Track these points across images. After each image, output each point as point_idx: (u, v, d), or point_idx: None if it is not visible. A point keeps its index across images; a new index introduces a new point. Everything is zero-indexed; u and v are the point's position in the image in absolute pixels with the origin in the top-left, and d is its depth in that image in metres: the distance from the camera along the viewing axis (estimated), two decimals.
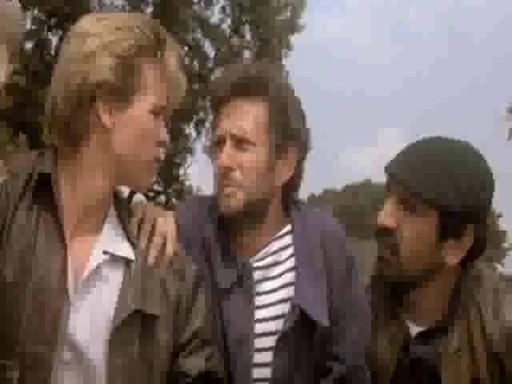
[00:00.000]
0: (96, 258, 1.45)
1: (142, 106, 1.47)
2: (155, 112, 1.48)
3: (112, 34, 1.44)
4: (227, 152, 1.69)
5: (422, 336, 1.73)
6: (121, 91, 1.44)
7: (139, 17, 1.52)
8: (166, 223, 1.57)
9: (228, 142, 1.70)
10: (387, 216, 1.68)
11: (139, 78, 1.46)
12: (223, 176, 1.70)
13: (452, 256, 1.68)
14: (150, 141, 1.49)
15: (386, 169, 1.73)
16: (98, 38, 1.44)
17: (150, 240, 1.53)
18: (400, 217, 1.67)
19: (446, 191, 1.62)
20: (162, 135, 1.51)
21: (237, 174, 1.69)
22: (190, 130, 17.39)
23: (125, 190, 1.61)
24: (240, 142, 1.69)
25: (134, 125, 1.46)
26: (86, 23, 1.49)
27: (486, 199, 1.69)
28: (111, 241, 1.49)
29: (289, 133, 1.73)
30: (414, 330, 1.74)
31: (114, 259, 1.48)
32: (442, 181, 1.63)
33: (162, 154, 1.53)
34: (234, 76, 1.74)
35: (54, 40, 16.37)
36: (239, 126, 1.69)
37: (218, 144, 1.73)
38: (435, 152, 1.68)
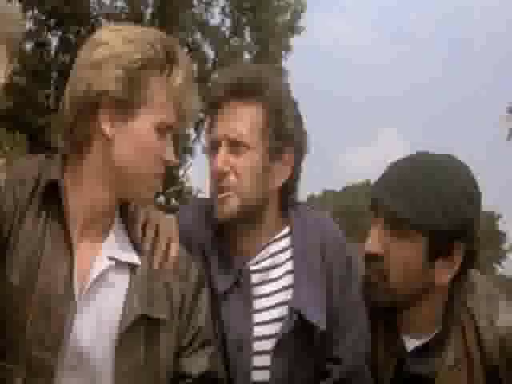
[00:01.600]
0: (101, 264, 1.46)
1: (144, 121, 1.46)
2: (160, 129, 1.47)
3: (122, 45, 1.45)
4: (222, 156, 1.68)
5: (418, 350, 1.72)
6: (124, 103, 1.44)
7: (154, 32, 1.52)
8: (169, 226, 1.58)
9: (223, 147, 1.68)
10: (374, 242, 1.67)
11: (144, 92, 1.45)
12: (218, 181, 1.68)
13: (443, 275, 1.66)
14: (151, 156, 1.48)
15: (371, 195, 1.71)
16: (107, 48, 1.45)
17: (154, 243, 1.54)
18: (388, 242, 1.66)
19: (432, 213, 1.61)
20: (168, 155, 1.50)
21: (231, 179, 1.68)
22: (189, 130, 17.42)
23: None
24: (235, 146, 1.68)
25: (134, 138, 1.46)
26: (102, 32, 1.51)
27: (475, 212, 1.67)
28: (116, 247, 1.50)
29: (285, 134, 1.72)
30: (410, 344, 1.73)
31: (120, 264, 1.48)
32: (427, 203, 1.61)
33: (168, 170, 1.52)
34: (229, 79, 1.73)
35: (54, 40, 16.38)
36: (234, 129, 1.68)
37: (213, 148, 1.72)
38: (418, 173, 1.65)
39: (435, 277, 1.66)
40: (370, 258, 1.68)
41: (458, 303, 1.71)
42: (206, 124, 1.78)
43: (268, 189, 1.73)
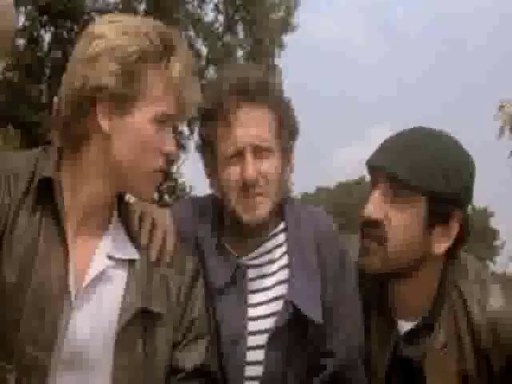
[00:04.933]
0: (100, 262, 1.45)
1: (142, 114, 1.44)
2: (159, 121, 1.45)
3: (117, 38, 1.42)
4: (253, 164, 1.68)
5: (411, 334, 1.72)
6: (121, 97, 1.42)
7: (151, 23, 1.49)
8: (164, 219, 1.59)
9: (249, 154, 1.68)
10: (375, 208, 1.66)
11: (141, 84, 1.43)
12: (251, 188, 1.68)
13: (440, 243, 1.66)
14: (150, 150, 1.46)
15: (369, 162, 1.71)
16: (103, 42, 1.42)
17: (151, 235, 1.54)
18: (387, 208, 1.65)
19: (433, 176, 1.61)
20: (167, 146, 1.48)
21: (261, 184, 1.69)
22: (182, 127, 17.35)
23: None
24: (260, 151, 1.69)
25: (132, 132, 1.44)
26: (98, 24, 1.48)
27: (470, 181, 1.68)
28: (115, 244, 1.49)
29: (292, 132, 1.76)
30: (404, 326, 1.74)
31: (119, 261, 1.48)
32: (428, 166, 1.61)
33: (168, 164, 1.50)
34: (235, 82, 1.70)
35: (47, 36, 16.29)
36: (259, 136, 1.68)
37: (234, 155, 1.69)
38: (416, 139, 1.67)
39: (433, 245, 1.66)
40: (369, 225, 1.67)
41: (450, 284, 1.71)
42: (209, 128, 1.75)
43: (285, 188, 1.76)
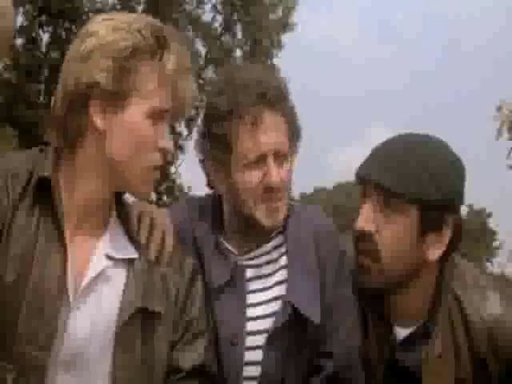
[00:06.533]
0: (99, 262, 1.45)
1: (136, 110, 1.43)
2: (154, 116, 1.44)
3: (109, 34, 1.42)
4: (279, 170, 1.68)
5: (407, 340, 1.72)
6: (114, 93, 1.41)
7: (144, 19, 1.48)
8: (162, 218, 1.59)
9: (271, 159, 1.67)
10: (365, 220, 1.65)
11: (135, 80, 1.42)
12: (275, 193, 1.68)
13: (434, 250, 1.66)
14: (146, 146, 1.45)
15: (358, 174, 1.70)
16: (95, 39, 1.42)
17: (149, 236, 1.54)
18: (378, 219, 1.65)
19: (423, 184, 1.60)
20: (162, 142, 1.47)
21: (282, 188, 1.69)
22: (181, 127, 17.34)
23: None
24: (279, 157, 1.68)
25: (126, 128, 1.43)
26: (91, 22, 1.48)
27: (460, 185, 1.68)
28: (114, 243, 1.49)
29: (298, 137, 1.77)
30: (401, 333, 1.73)
31: (118, 261, 1.47)
32: (417, 174, 1.61)
33: (165, 159, 1.48)
34: (254, 87, 1.68)
35: (45, 37, 16.30)
36: (280, 142, 1.68)
37: (256, 160, 1.67)
38: (403, 147, 1.66)
39: (426, 253, 1.66)
40: (361, 238, 1.66)
41: (445, 288, 1.70)
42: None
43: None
